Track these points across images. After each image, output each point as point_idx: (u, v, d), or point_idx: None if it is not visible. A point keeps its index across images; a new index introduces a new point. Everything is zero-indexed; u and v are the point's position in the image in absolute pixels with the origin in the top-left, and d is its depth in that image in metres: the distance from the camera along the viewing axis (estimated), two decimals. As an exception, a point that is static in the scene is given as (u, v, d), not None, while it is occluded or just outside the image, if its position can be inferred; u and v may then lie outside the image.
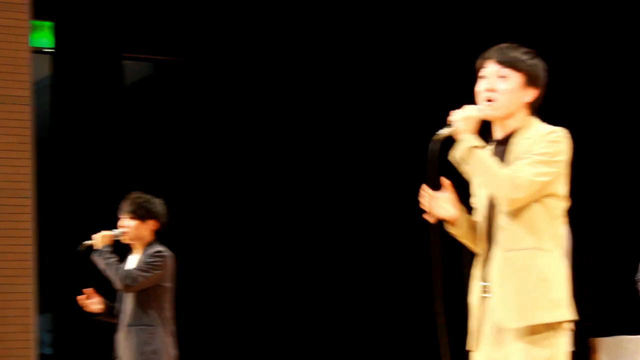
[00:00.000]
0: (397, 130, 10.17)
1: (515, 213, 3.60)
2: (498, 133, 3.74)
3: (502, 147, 3.69)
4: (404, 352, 9.99)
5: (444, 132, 3.63)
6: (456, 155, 3.61)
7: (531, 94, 3.68)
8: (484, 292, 3.69)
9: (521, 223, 3.60)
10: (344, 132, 10.06)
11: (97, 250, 6.08)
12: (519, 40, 3.84)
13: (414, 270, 10.07)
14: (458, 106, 3.68)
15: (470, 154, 3.57)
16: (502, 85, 3.65)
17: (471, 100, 3.73)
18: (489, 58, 3.71)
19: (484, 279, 3.69)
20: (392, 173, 10.14)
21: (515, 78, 3.65)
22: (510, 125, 3.69)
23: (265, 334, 9.56)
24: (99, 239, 6.10)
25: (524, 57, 3.69)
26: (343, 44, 10.05)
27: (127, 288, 5.98)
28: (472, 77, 3.79)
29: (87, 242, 6.14)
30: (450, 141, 3.66)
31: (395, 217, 10.09)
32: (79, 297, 6.19)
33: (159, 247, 6.12)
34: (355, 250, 9.81)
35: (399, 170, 10.14)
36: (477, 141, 3.60)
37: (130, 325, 6.05)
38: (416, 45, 10.18)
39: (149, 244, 6.14)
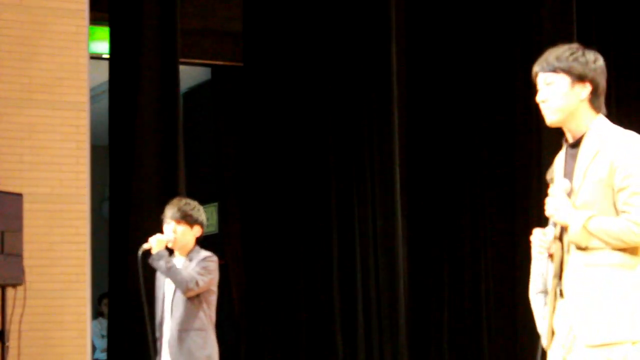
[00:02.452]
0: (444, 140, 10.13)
1: None
2: (569, 137, 3.73)
3: (573, 150, 3.69)
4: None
5: (550, 230, 3.68)
6: (575, 241, 3.61)
7: (585, 90, 3.67)
8: (560, 294, 3.68)
9: None
10: (407, 141, 10.05)
11: (155, 254, 6.08)
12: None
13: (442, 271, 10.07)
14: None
15: (586, 234, 3.57)
16: (549, 92, 3.68)
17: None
18: (535, 72, 3.75)
19: (559, 282, 3.67)
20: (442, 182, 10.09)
21: (560, 80, 3.66)
22: (577, 128, 3.69)
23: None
24: (156, 243, 6.10)
25: (565, 55, 3.69)
26: (397, 52, 10.02)
27: (190, 291, 6.00)
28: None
29: (146, 246, 6.13)
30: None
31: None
32: None
33: (207, 252, 6.15)
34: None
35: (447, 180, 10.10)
36: (582, 217, 3.58)
37: (183, 330, 6.04)
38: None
39: (192, 250, 6.16)
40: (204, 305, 6.08)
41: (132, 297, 8.35)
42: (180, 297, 6.08)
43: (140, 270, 6.08)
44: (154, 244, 6.10)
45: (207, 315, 6.08)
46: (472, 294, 10.01)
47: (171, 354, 6.08)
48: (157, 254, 6.06)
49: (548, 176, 4.49)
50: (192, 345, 6.03)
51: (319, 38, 9.72)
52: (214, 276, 6.10)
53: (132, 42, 8.85)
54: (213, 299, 6.14)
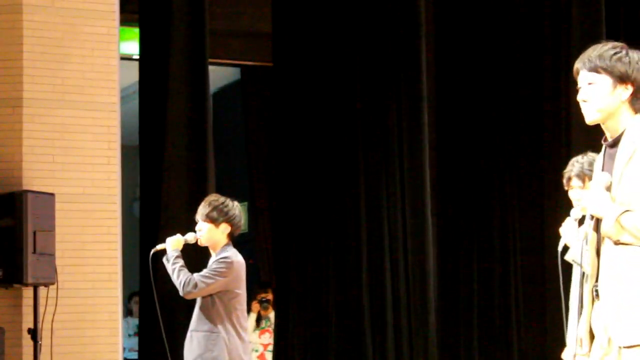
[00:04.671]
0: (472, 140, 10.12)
1: None
2: (607, 136, 3.71)
3: (612, 150, 3.67)
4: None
5: (587, 222, 3.68)
6: (606, 234, 3.59)
7: (626, 92, 3.63)
8: (596, 296, 3.66)
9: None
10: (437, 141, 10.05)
11: (166, 254, 6.08)
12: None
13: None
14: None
15: (619, 228, 3.55)
16: (590, 92, 3.64)
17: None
18: (577, 68, 3.71)
19: (595, 284, 3.66)
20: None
21: (602, 81, 3.63)
22: (615, 127, 3.66)
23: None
24: (169, 243, 6.11)
25: (608, 54, 3.64)
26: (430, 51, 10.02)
27: (187, 294, 5.96)
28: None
29: (159, 247, 6.15)
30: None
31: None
32: None
33: (227, 253, 6.07)
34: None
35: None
36: (617, 210, 3.55)
37: (193, 330, 6.04)
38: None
39: (222, 248, 6.12)
40: (218, 307, 5.99)
41: (163, 297, 8.41)
42: (196, 299, 6.09)
43: (151, 270, 6.11)
44: (168, 244, 6.09)
45: (222, 317, 5.99)
46: (501, 292, 9.99)
47: (185, 353, 6.09)
48: (168, 255, 6.06)
49: (565, 175, 4.73)
50: (198, 346, 5.99)
51: (348, 37, 9.73)
52: (228, 278, 5.99)
53: (162, 43, 8.90)
54: (234, 301, 6.03)
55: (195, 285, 5.92)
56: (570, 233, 4.66)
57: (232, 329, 6.01)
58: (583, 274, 3.98)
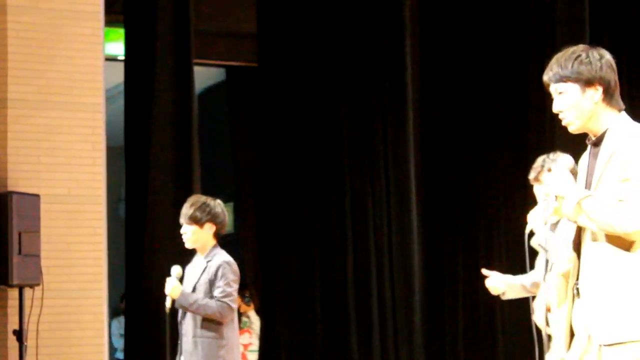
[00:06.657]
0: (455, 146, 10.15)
1: None
2: (591, 135, 3.75)
3: (596, 148, 3.70)
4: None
5: (551, 204, 3.71)
6: (566, 214, 3.63)
7: (597, 93, 3.66)
8: (576, 294, 3.68)
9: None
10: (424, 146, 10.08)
11: (176, 301, 6.02)
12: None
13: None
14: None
15: (578, 210, 3.58)
16: (563, 102, 3.68)
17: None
18: (546, 82, 3.75)
19: (576, 282, 3.68)
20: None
21: (571, 88, 3.67)
22: (597, 128, 3.70)
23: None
24: (172, 293, 6.04)
25: (570, 62, 3.67)
26: (417, 54, 10.05)
27: (226, 317, 5.98)
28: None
29: (168, 304, 6.07)
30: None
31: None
32: None
33: (222, 257, 6.08)
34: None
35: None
36: (580, 193, 3.59)
37: (196, 337, 6.04)
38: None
39: (210, 249, 6.12)
40: None
41: (149, 297, 8.42)
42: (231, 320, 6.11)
43: (168, 325, 6.11)
44: (170, 291, 6.04)
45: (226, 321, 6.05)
46: (487, 291, 10.00)
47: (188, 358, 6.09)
48: (178, 300, 6.01)
49: (531, 176, 4.81)
50: (203, 352, 6.00)
51: (333, 38, 9.75)
52: (237, 280, 6.05)
53: (147, 44, 8.91)
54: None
55: (229, 307, 5.95)
56: (537, 219, 4.75)
57: (231, 332, 6.07)
58: (547, 261, 4.04)
